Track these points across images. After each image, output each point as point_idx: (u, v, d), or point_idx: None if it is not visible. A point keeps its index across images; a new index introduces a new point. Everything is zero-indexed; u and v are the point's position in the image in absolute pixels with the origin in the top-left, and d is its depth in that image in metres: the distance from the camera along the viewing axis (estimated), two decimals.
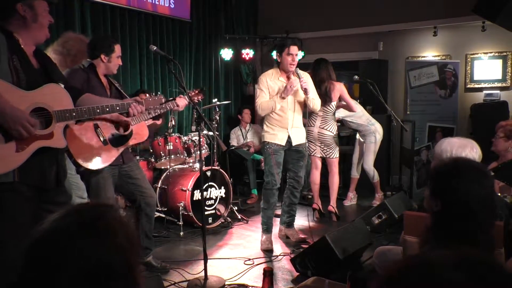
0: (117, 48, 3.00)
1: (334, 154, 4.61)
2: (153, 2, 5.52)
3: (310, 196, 5.34)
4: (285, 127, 3.78)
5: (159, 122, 4.42)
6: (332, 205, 4.72)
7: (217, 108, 4.96)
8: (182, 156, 4.65)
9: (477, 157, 2.19)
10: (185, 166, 4.81)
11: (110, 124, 2.88)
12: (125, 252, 0.87)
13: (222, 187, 4.60)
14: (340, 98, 4.60)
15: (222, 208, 4.56)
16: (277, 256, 3.65)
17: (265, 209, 3.88)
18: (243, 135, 6.15)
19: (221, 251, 3.81)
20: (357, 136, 5.42)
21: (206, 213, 4.36)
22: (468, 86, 6.13)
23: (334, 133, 4.58)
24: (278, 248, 3.86)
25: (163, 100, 2.86)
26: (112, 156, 2.88)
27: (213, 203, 4.50)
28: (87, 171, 2.78)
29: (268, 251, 3.76)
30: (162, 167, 4.81)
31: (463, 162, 1.64)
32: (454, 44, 6.17)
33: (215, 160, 4.84)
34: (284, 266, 3.44)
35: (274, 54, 6.64)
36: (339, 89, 4.50)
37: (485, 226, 1.50)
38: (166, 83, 5.78)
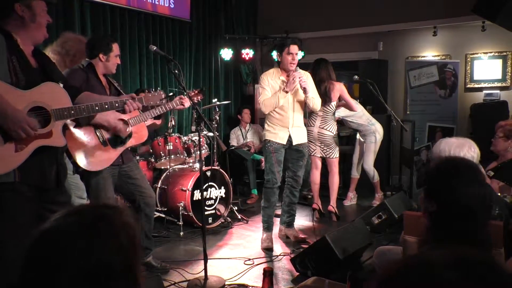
0: (115, 47, 3.00)
1: (334, 154, 4.61)
2: (153, 2, 5.52)
3: (310, 196, 5.34)
4: (286, 126, 3.78)
5: (158, 122, 4.42)
6: (332, 205, 4.72)
7: (217, 108, 4.96)
8: (182, 156, 4.65)
9: (475, 156, 2.19)
10: (185, 166, 4.81)
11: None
12: (125, 252, 0.88)
13: (222, 187, 4.60)
14: (340, 98, 4.60)
15: (222, 208, 4.56)
16: (277, 256, 3.65)
17: (266, 208, 3.89)
18: (243, 135, 6.15)
19: (221, 251, 3.81)
20: (358, 136, 5.42)
21: (206, 213, 4.36)
22: (468, 86, 6.13)
23: (334, 133, 4.58)
24: (278, 248, 3.86)
25: (163, 96, 2.85)
26: (111, 157, 2.88)
27: (213, 203, 4.50)
28: (87, 171, 2.78)
29: (268, 250, 3.77)
30: (162, 167, 4.81)
31: (456, 161, 1.66)
32: (454, 44, 6.17)
33: (215, 160, 4.84)
34: (284, 266, 3.44)
35: (274, 54, 6.69)
36: (339, 89, 4.50)
37: (481, 224, 1.51)
38: (166, 83, 5.78)
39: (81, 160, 2.72)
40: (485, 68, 5.99)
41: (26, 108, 2.01)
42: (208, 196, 4.46)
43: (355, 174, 5.39)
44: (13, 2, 2.04)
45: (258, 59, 7.17)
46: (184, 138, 4.72)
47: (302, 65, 3.82)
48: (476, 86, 6.08)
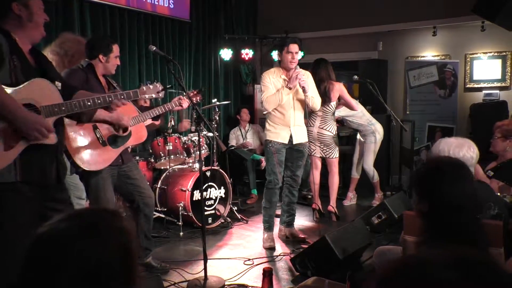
0: (115, 48, 3.00)
1: (334, 154, 4.61)
2: (153, 2, 5.52)
3: (310, 196, 5.34)
4: (287, 125, 3.78)
5: (157, 122, 4.42)
6: (332, 205, 4.72)
7: (216, 108, 4.96)
8: (181, 156, 4.65)
9: (475, 156, 2.19)
10: (184, 166, 4.81)
11: (109, 125, 2.88)
12: (122, 255, 0.88)
13: (222, 187, 4.60)
14: (340, 98, 4.61)
15: (221, 208, 4.56)
16: (277, 256, 3.65)
17: (267, 208, 3.89)
18: (242, 135, 6.15)
19: (221, 251, 3.81)
20: (358, 136, 5.42)
21: (205, 213, 4.36)
22: (468, 86, 6.13)
23: (334, 133, 4.58)
24: (278, 248, 3.86)
25: (161, 88, 2.84)
26: (110, 157, 2.88)
27: (212, 203, 4.50)
28: (86, 171, 2.78)
29: (271, 249, 3.77)
30: (162, 167, 4.81)
31: (441, 161, 1.70)
32: (454, 44, 6.17)
33: (215, 160, 4.84)
34: (284, 266, 3.44)
35: (273, 54, 6.70)
36: (339, 89, 4.50)
37: (472, 221, 1.53)
38: (165, 83, 5.77)
39: (80, 160, 2.72)
40: (485, 68, 5.99)
41: None
42: (207, 196, 4.46)
43: (355, 174, 5.39)
44: (10, 1, 2.03)
45: (258, 59, 7.17)
46: (184, 138, 4.72)
47: (302, 65, 3.83)
48: (476, 86, 6.08)
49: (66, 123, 2.45)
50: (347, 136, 6.24)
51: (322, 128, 4.53)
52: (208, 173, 4.48)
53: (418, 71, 6.03)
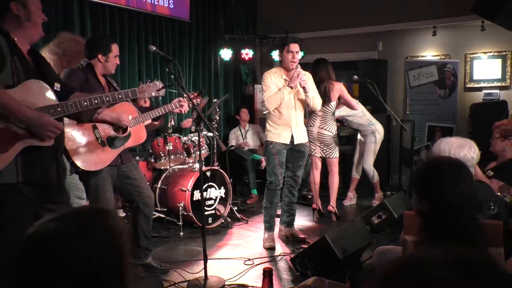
0: (115, 48, 2.99)
1: (334, 154, 4.61)
2: (152, 2, 5.51)
3: (310, 196, 5.34)
4: (288, 125, 3.78)
5: (157, 123, 4.42)
6: (332, 205, 4.72)
7: (217, 109, 4.96)
8: (181, 157, 4.65)
9: (475, 157, 2.19)
10: (184, 166, 4.81)
11: (109, 125, 2.88)
12: (116, 252, 0.87)
13: (222, 187, 4.60)
14: (340, 98, 4.60)
15: (222, 208, 4.56)
16: (277, 256, 3.65)
17: (268, 208, 3.90)
18: (242, 135, 6.15)
19: (221, 251, 3.81)
20: (358, 136, 5.42)
21: (206, 213, 4.36)
22: (468, 85, 6.13)
23: (334, 133, 4.58)
24: (278, 248, 3.86)
25: (160, 86, 2.83)
26: (109, 157, 2.87)
27: (213, 203, 4.50)
28: (86, 171, 2.78)
29: (271, 249, 3.77)
30: (162, 168, 4.81)
31: (440, 161, 1.70)
32: (454, 44, 6.17)
33: (215, 160, 4.84)
34: (284, 266, 3.44)
35: (273, 54, 6.71)
36: (339, 89, 4.50)
37: (471, 221, 1.54)
38: (165, 83, 5.74)
39: (79, 160, 2.72)
40: (485, 67, 5.99)
41: None
42: (208, 196, 4.46)
43: (355, 174, 5.39)
44: (8, 1, 2.03)
45: (258, 59, 7.17)
46: (184, 138, 4.72)
47: (301, 65, 3.82)
48: (476, 85, 6.08)
49: (66, 123, 2.45)
50: (347, 136, 6.23)
51: (322, 128, 4.53)
52: (208, 173, 4.48)
53: (418, 71, 6.04)
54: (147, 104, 4.89)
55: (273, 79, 3.77)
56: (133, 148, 4.46)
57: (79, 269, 0.82)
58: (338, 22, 6.48)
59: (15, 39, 2.06)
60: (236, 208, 4.87)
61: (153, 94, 2.81)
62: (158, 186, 4.56)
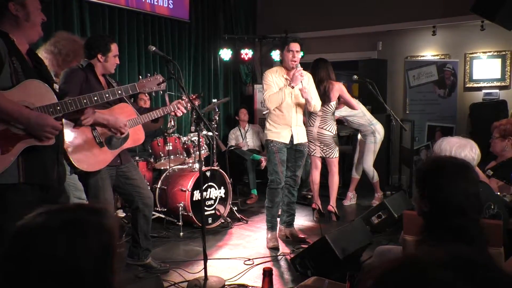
0: (114, 47, 2.98)
1: (334, 154, 4.61)
2: (152, 2, 5.51)
3: (309, 196, 5.34)
4: (288, 125, 3.79)
5: (157, 124, 4.42)
6: (332, 205, 4.72)
7: (216, 109, 4.96)
8: (181, 157, 4.65)
9: (476, 157, 2.19)
10: (184, 166, 4.80)
11: (107, 128, 2.87)
12: (104, 251, 0.86)
13: (222, 187, 4.60)
14: (340, 98, 4.60)
15: (221, 208, 4.56)
16: (277, 256, 3.65)
17: (270, 208, 3.89)
18: (242, 135, 6.15)
19: (221, 251, 3.81)
20: (359, 136, 5.42)
21: (205, 213, 4.35)
22: (467, 85, 6.13)
23: (334, 133, 4.58)
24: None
25: (161, 80, 2.82)
26: (108, 158, 2.87)
27: (212, 203, 4.49)
28: (84, 172, 2.78)
29: (275, 249, 3.76)
30: (162, 168, 4.81)
31: (443, 160, 1.68)
32: (453, 44, 6.17)
33: (215, 160, 4.84)
34: (284, 266, 3.44)
35: (273, 54, 6.71)
36: (338, 88, 4.50)
37: (473, 222, 1.52)
38: (165, 85, 5.76)
39: (77, 160, 2.71)
40: (484, 67, 5.99)
41: None
42: (207, 197, 4.46)
43: (356, 174, 5.38)
44: (6, 1, 2.03)
45: (258, 59, 7.16)
46: (184, 139, 4.72)
47: (301, 64, 3.82)
48: (475, 85, 6.08)
49: (64, 123, 2.45)
50: (347, 136, 6.24)
51: (322, 128, 4.53)
52: (208, 173, 4.48)
53: (417, 70, 6.04)
54: (147, 105, 4.90)
55: (274, 78, 3.77)
56: (133, 148, 4.45)
57: (63, 265, 0.81)
58: (337, 22, 6.48)
59: (14, 39, 2.06)
60: (236, 208, 4.87)
61: (154, 88, 2.78)
62: (158, 186, 4.56)
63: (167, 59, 3.00)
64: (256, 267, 3.40)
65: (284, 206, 4.05)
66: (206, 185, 4.45)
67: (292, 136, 3.80)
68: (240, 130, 6.19)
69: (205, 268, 2.98)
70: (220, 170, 4.62)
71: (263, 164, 5.45)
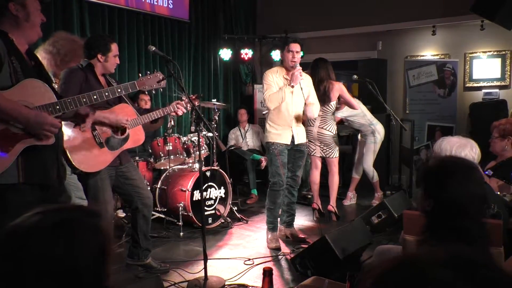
0: (114, 47, 2.98)
1: (334, 154, 4.61)
2: (151, 2, 5.51)
3: (310, 196, 5.34)
4: (289, 125, 3.78)
5: (157, 124, 4.42)
6: (332, 205, 4.72)
7: (216, 109, 4.96)
8: (181, 157, 4.65)
9: (476, 156, 2.19)
10: (184, 166, 4.80)
11: (108, 127, 2.87)
12: (98, 252, 0.86)
13: (222, 187, 4.59)
14: (340, 98, 4.60)
15: (221, 208, 4.56)
16: (277, 256, 3.65)
17: (272, 209, 3.89)
18: (242, 135, 6.15)
19: (221, 251, 3.81)
20: (359, 136, 5.42)
21: (205, 213, 4.35)
22: (467, 85, 6.13)
23: (334, 132, 4.58)
24: None
25: (161, 77, 2.81)
26: (108, 159, 2.87)
27: (212, 203, 4.49)
28: (84, 172, 2.78)
29: (277, 249, 3.76)
30: (162, 168, 4.81)
31: (452, 161, 1.67)
32: (453, 43, 6.17)
33: (215, 160, 4.84)
34: (284, 266, 3.44)
35: (273, 54, 6.70)
36: (338, 88, 4.50)
37: (476, 223, 1.51)
38: (165, 83, 5.76)
39: (77, 161, 2.71)
40: (484, 67, 5.99)
41: None
42: (207, 196, 4.46)
43: (356, 174, 5.38)
44: (7, 1, 2.03)
45: (257, 59, 7.17)
46: (184, 139, 4.72)
47: (301, 65, 3.82)
48: (475, 85, 6.08)
49: (64, 123, 2.45)
50: (347, 136, 6.24)
51: (322, 128, 4.53)
52: (208, 173, 4.48)
53: (417, 70, 6.03)
54: (148, 106, 4.90)
55: (274, 78, 3.77)
56: (133, 149, 4.45)
57: (57, 265, 0.81)
58: (337, 22, 6.48)
59: (14, 39, 2.06)
60: (236, 208, 4.87)
61: (154, 86, 2.78)
62: (158, 186, 4.56)
63: (167, 59, 3.00)
64: (256, 267, 3.40)
65: (284, 206, 4.05)
66: (206, 185, 4.45)
67: (293, 137, 3.80)
68: (240, 130, 6.19)
69: (205, 268, 2.98)
70: (220, 170, 4.62)
71: (263, 164, 5.45)
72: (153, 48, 3.01)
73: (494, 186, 2.82)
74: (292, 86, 3.69)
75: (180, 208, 4.22)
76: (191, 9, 6.12)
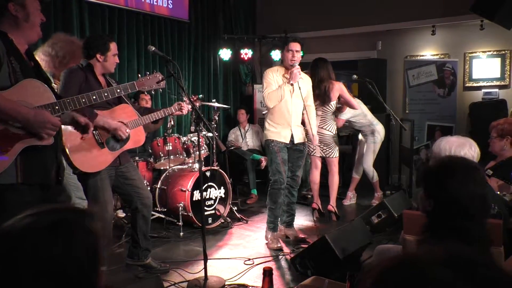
0: (113, 47, 2.97)
1: (334, 154, 4.61)
2: (151, 2, 5.51)
3: (309, 196, 5.35)
4: (288, 124, 3.78)
5: (158, 125, 4.42)
6: (332, 205, 4.72)
7: (215, 108, 4.96)
8: (181, 157, 4.65)
9: (475, 155, 2.19)
10: (184, 166, 4.80)
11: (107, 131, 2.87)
12: (90, 254, 0.86)
13: (222, 187, 4.59)
14: (340, 98, 4.60)
15: (221, 208, 4.56)
16: (277, 256, 3.65)
17: (273, 208, 3.87)
18: (242, 135, 6.15)
19: (221, 251, 3.81)
20: (360, 136, 5.42)
21: (205, 213, 4.35)
22: (467, 84, 6.14)
23: (334, 132, 4.59)
24: None
25: (160, 78, 2.81)
26: (108, 159, 2.87)
27: (212, 203, 4.49)
28: (83, 173, 2.78)
29: (279, 250, 3.75)
30: (162, 168, 4.81)
31: (453, 161, 1.67)
32: (453, 43, 6.17)
33: (215, 160, 4.84)
34: (284, 266, 3.44)
35: (272, 53, 6.70)
36: (339, 88, 4.50)
37: (478, 224, 1.51)
38: (165, 83, 5.76)
39: (77, 161, 2.71)
40: (484, 67, 5.99)
41: None
42: (207, 197, 4.46)
43: (356, 174, 5.38)
44: (6, 1, 2.02)
45: (257, 59, 7.17)
46: (184, 139, 4.72)
47: (301, 64, 3.83)
48: (475, 85, 6.09)
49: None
50: (347, 136, 6.24)
51: (322, 128, 4.53)
52: (208, 173, 4.48)
53: (417, 70, 6.03)
54: (149, 105, 4.90)
55: (274, 77, 3.77)
56: (133, 149, 4.45)
57: (51, 266, 0.81)
58: (337, 22, 6.48)
59: (13, 39, 2.06)
60: (236, 208, 4.87)
61: (153, 86, 2.77)
62: (158, 186, 4.56)
63: (166, 59, 3.00)
64: (256, 267, 3.40)
65: (284, 206, 4.04)
66: (206, 185, 4.45)
67: (292, 136, 3.80)
68: (240, 130, 6.19)
69: (205, 268, 2.98)
70: (220, 170, 4.62)
71: (263, 164, 5.45)
72: (153, 48, 3.01)
73: (494, 186, 2.82)
74: (291, 84, 3.69)
75: (180, 208, 4.22)
76: (191, 9, 6.12)
